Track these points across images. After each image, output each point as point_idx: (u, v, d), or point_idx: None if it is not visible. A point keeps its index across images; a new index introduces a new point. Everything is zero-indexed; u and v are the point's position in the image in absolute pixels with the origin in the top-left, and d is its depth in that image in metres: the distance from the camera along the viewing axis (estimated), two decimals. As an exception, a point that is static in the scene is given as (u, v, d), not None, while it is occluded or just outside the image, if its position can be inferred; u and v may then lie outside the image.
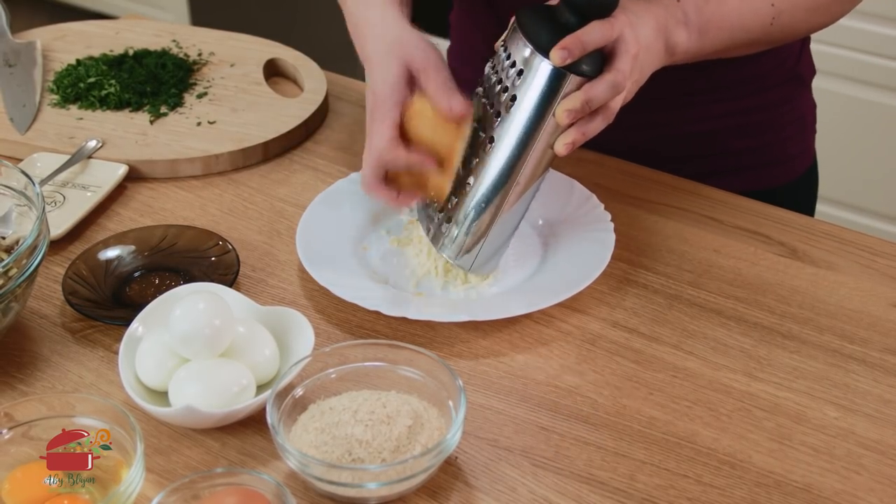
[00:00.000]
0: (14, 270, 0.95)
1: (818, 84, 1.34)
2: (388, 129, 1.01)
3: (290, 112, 1.33)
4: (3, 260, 0.98)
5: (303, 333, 0.97)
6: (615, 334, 1.02)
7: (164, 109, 1.34)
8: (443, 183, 1.03)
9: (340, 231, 1.12)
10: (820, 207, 1.41)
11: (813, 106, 1.34)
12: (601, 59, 0.97)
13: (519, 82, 0.97)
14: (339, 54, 3.05)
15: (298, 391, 0.92)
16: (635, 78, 0.99)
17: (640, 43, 0.98)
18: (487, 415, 0.94)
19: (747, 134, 1.28)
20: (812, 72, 1.32)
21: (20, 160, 1.25)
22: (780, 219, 1.16)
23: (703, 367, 0.98)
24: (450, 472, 0.89)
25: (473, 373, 0.98)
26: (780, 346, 1.00)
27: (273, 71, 1.44)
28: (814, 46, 1.30)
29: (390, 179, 1.04)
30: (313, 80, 1.40)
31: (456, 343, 1.01)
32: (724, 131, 1.27)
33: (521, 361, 0.99)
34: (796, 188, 1.32)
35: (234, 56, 1.45)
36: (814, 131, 1.35)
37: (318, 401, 0.92)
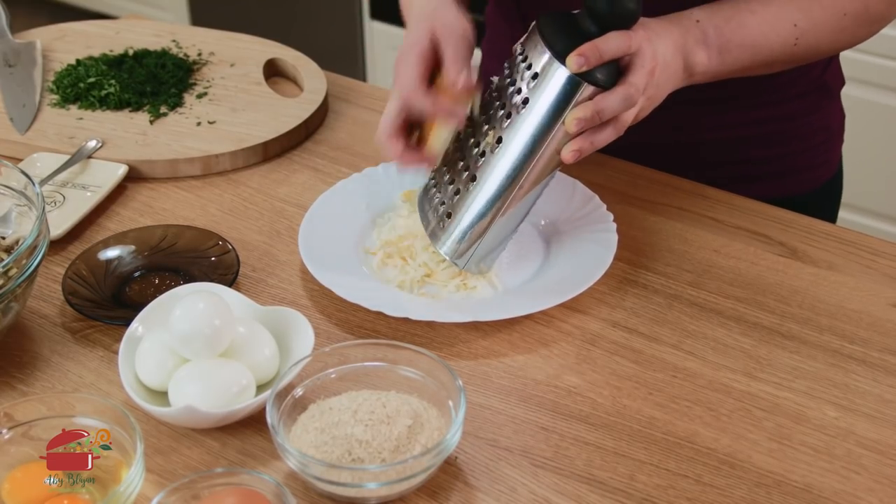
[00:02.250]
0: (14, 270, 0.95)
1: (843, 90, 1.33)
2: (413, 73, 1.02)
3: (290, 112, 1.33)
4: (3, 260, 0.98)
5: (303, 333, 0.97)
6: (615, 334, 1.02)
7: (164, 109, 1.34)
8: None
9: (343, 231, 1.12)
10: (844, 215, 1.40)
11: (841, 116, 1.33)
12: (617, 72, 0.97)
13: (533, 86, 0.97)
14: (339, 54, 3.06)
15: (298, 391, 0.92)
16: (650, 94, 0.99)
17: (658, 59, 0.98)
18: (487, 415, 0.94)
19: (768, 143, 1.27)
20: (840, 82, 1.31)
21: (20, 160, 1.25)
22: (780, 219, 1.16)
23: (703, 367, 0.98)
24: (450, 472, 0.89)
25: (473, 373, 0.98)
26: (779, 346, 1.00)
27: (273, 71, 1.45)
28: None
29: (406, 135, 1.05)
30: (313, 80, 1.40)
31: (456, 343, 1.01)
32: (744, 140, 1.26)
33: (521, 361, 0.99)
34: (818, 197, 1.31)
35: (234, 56, 1.45)
36: (841, 141, 1.34)
37: (317, 401, 0.92)
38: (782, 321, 1.03)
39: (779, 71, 1.14)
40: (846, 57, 1.30)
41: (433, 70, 1.04)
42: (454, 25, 1.04)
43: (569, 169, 1.19)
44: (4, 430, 0.88)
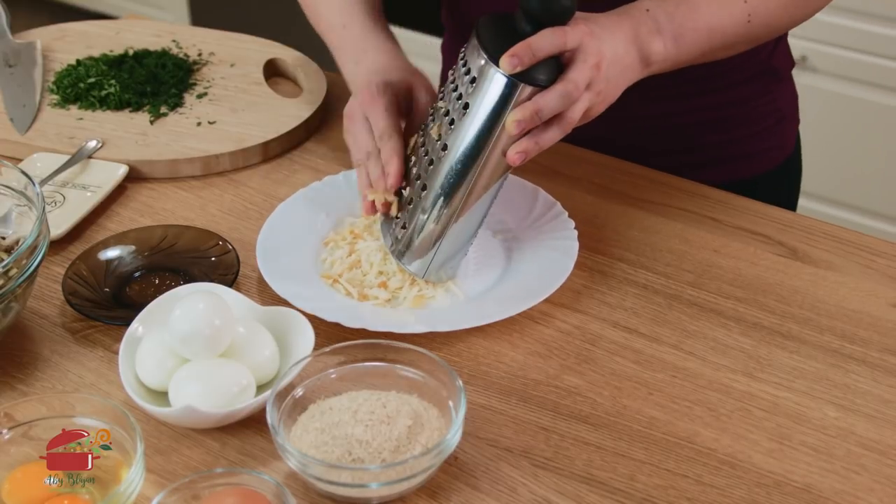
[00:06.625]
0: (14, 270, 0.95)
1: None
2: (384, 112, 1.07)
3: (290, 112, 1.33)
4: (3, 260, 0.98)
5: (303, 333, 0.97)
6: (615, 334, 1.02)
7: (164, 109, 1.34)
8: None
9: (303, 240, 1.11)
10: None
11: (793, 97, 1.33)
12: (558, 70, 0.96)
13: (472, 90, 0.96)
14: (339, 54, 3.04)
15: (298, 391, 0.92)
16: (599, 89, 0.98)
17: (604, 54, 0.97)
18: (487, 415, 0.94)
19: (719, 128, 1.27)
20: (790, 64, 1.31)
21: (20, 160, 1.25)
22: (780, 219, 1.16)
23: (703, 367, 0.98)
24: (450, 472, 0.89)
25: (473, 373, 0.98)
26: (779, 346, 1.00)
27: (273, 71, 1.45)
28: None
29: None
30: (313, 80, 1.40)
31: (456, 343, 1.01)
32: (692, 126, 1.26)
33: (521, 361, 0.99)
34: (775, 179, 1.31)
35: (234, 56, 1.45)
36: (796, 121, 1.34)
37: (318, 401, 0.92)
38: (782, 321, 1.03)
39: (738, 53, 1.12)
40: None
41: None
42: (374, 95, 1.09)
43: (568, 168, 1.19)
44: (4, 430, 0.88)
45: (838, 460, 0.90)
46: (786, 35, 1.28)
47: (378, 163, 1.07)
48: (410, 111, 1.12)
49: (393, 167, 1.05)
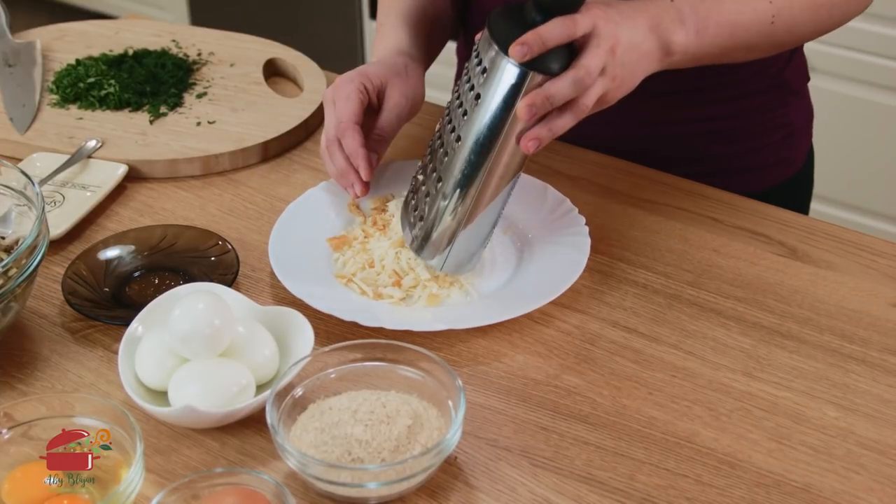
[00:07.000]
0: (14, 270, 0.95)
1: (817, 84, 1.32)
2: (353, 106, 1.11)
3: (289, 112, 1.33)
4: (2, 260, 0.98)
5: (303, 333, 0.97)
6: (615, 334, 1.02)
7: (163, 109, 1.34)
8: None
9: (314, 240, 1.11)
10: (817, 207, 1.39)
11: (807, 112, 1.32)
12: (571, 58, 0.96)
13: (483, 80, 0.97)
14: (339, 54, 3.05)
15: (298, 391, 0.92)
16: (615, 73, 0.97)
17: (620, 38, 0.96)
18: (487, 415, 0.94)
19: (725, 140, 1.26)
20: (804, 79, 1.30)
21: (20, 160, 1.25)
22: (780, 219, 1.16)
23: (703, 367, 0.98)
24: (449, 471, 0.89)
25: (473, 373, 0.98)
26: (779, 345, 1.00)
27: (273, 71, 1.45)
28: (814, 46, 1.28)
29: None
30: (313, 80, 1.40)
31: (456, 343, 1.01)
32: (704, 135, 1.26)
33: (521, 361, 0.99)
34: (784, 191, 1.31)
35: (234, 56, 1.45)
36: (807, 136, 1.33)
37: (317, 401, 0.92)
38: (782, 321, 1.03)
39: (757, 57, 1.12)
40: (816, 49, 1.29)
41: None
42: (352, 105, 1.12)
43: (568, 168, 1.19)
44: (4, 430, 0.88)
45: (838, 460, 0.90)
46: (801, 48, 1.27)
47: (339, 153, 1.11)
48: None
49: (360, 161, 1.09)
